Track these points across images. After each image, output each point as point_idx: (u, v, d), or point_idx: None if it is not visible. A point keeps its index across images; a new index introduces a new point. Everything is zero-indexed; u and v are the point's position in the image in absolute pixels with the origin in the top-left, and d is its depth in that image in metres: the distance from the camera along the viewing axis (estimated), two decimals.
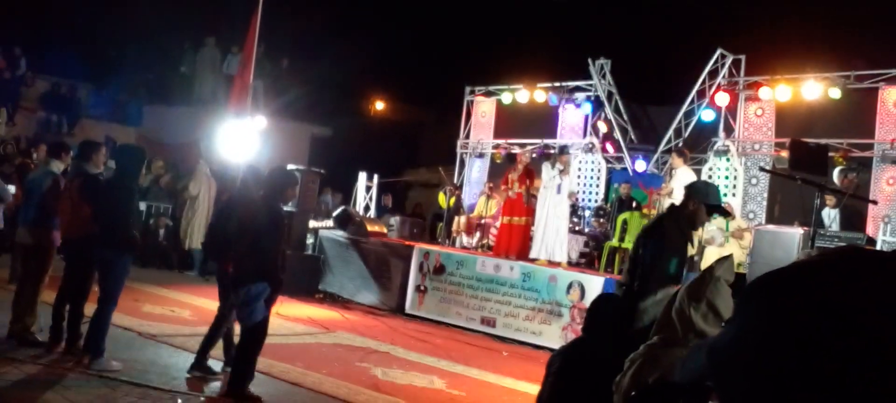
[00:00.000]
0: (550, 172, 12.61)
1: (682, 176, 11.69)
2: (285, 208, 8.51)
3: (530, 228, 13.25)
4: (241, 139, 14.67)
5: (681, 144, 14.70)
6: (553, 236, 12.49)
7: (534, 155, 15.31)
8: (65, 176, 8.28)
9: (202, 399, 6.63)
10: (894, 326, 0.60)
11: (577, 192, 15.18)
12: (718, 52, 14.56)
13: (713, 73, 14.63)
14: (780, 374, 0.62)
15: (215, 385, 7.08)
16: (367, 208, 17.58)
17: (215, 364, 7.53)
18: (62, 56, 21.02)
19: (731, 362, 0.68)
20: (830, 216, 10.99)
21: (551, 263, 12.26)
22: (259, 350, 6.74)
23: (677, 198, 11.57)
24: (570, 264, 12.85)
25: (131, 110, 22.16)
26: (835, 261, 0.67)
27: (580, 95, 16.54)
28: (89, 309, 7.60)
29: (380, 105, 28.26)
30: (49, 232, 8.06)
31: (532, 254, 12.61)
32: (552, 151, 13.96)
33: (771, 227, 11.31)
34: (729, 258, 4.22)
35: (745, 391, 0.65)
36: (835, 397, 0.59)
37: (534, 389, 8.19)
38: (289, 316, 11.29)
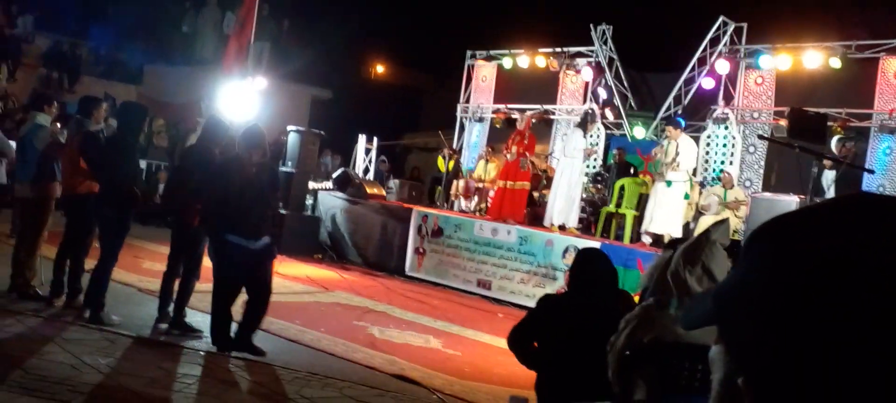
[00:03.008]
0: (581, 140, 12.63)
1: (684, 145, 11.74)
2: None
3: (526, 193, 13.30)
4: (242, 100, 14.68)
5: (680, 111, 14.71)
6: (571, 203, 12.57)
7: (534, 120, 15.27)
8: (65, 131, 8.30)
9: (202, 352, 6.71)
10: None
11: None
12: (720, 19, 14.51)
13: (714, 41, 14.59)
14: (783, 318, 0.64)
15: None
16: (366, 170, 17.61)
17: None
18: (63, 13, 20.93)
19: (736, 306, 0.70)
20: (828, 179, 11.03)
21: (563, 230, 12.31)
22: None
23: (684, 168, 11.65)
24: (562, 229, 12.91)
25: (132, 69, 22.08)
26: (841, 206, 0.69)
27: (581, 61, 16.51)
28: (90, 264, 7.67)
29: (380, 68, 28.15)
30: (46, 185, 8.08)
31: (548, 221, 12.66)
32: (588, 114, 14.00)
33: (767, 195, 11.37)
34: (725, 222, 4.26)
35: (749, 334, 0.67)
36: (839, 340, 0.61)
37: None
38: (288, 275, 11.36)
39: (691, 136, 12.75)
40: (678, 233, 11.26)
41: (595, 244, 11.29)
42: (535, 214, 13.49)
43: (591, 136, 12.53)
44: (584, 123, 13.01)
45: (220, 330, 6.79)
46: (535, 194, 14.19)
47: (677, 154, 11.57)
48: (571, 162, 12.59)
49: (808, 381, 0.62)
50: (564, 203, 12.52)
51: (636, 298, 4.57)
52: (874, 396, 0.59)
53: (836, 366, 0.60)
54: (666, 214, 11.64)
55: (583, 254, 5.22)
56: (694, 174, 12.48)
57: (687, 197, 11.89)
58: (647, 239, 11.86)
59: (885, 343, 0.60)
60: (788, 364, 0.63)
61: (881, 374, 0.59)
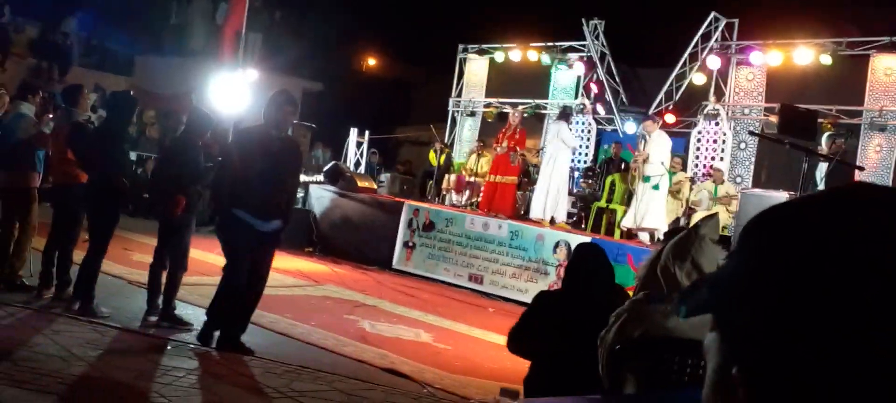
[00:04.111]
0: (569, 133, 12.71)
1: (657, 140, 11.76)
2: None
3: (516, 187, 13.32)
4: (232, 91, 14.64)
5: (671, 107, 14.73)
6: (559, 196, 12.61)
7: (524, 115, 15.27)
8: (52, 121, 8.24)
9: (191, 344, 6.69)
10: None
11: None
12: (712, 15, 14.53)
13: (706, 37, 14.61)
14: (779, 307, 0.64)
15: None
16: (357, 164, 17.58)
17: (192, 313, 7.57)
18: (50, 2, 20.81)
19: (732, 293, 0.70)
20: (819, 175, 11.07)
21: (552, 224, 12.34)
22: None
23: (654, 162, 11.68)
24: (552, 223, 12.94)
25: (123, 59, 21.98)
26: (840, 196, 0.69)
27: (573, 55, 16.51)
28: (79, 256, 7.63)
29: (372, 61, 28.12)
30: (26, 174, 8.03)
31: (536, 215, 12.69)
32: (567, 107, 14.02)
33: (757, 191, 11.39)
34: (714, 217, 4.27)
35: (746, 323, 0.67)
36: (836, 329, 0.61)
37: None
38: (278, 269, 11.29)
39: (681, 132, 12.79)
40: (662, 227, 11.30)
41: (585, 238, 11.33)
42: (520, 208, 13.54)
43: (572, 129, 12.65)
44: (567, 115, 13.09)
45: (223, 325, 6.63)
46: (519, 193, 14.16)
47: (649, 150, 11.64)
48: (560, 155, 12.63)
49: (805, 371, 0.62)
50: (555, 196, 12.56)
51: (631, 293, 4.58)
52: (872, 388, 0.59)
53: (834, 357, 0.60)
54: (646, 209, 11.67)
55: (579, 250, 5.22)
56: (670, 167, 12.46)
57: (657, 188, 11.82)
58: (644, 237, 11.89)
59: (883, 333, 0.60)
60: (785, 354, 0.63)
61: (879, 365, 0.59)
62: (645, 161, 11.65)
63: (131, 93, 9.27)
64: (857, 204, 0.66)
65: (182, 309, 7.50)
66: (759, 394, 0.65)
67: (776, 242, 0.66)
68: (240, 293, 6.60)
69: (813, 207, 0.68)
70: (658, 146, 11.71)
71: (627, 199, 12.91)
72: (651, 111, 15.23)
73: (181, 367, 6.03)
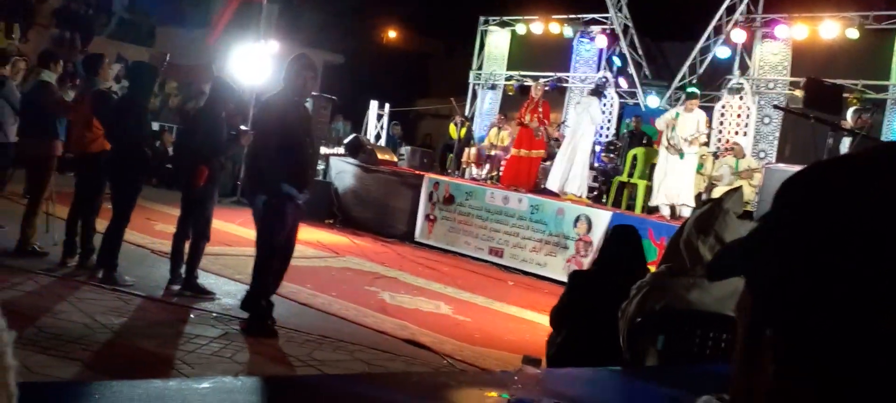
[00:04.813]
0: (599, 110, 12.67)
1: (699, 117, 11.71)
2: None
3: (539, 161, 13.28)
4: (254, 63, 14.67)
5: (695, 81, 14.59)
6: (584, 171, 12.59)
7: (547, 87, 15.19)
8: (72, 91, 8.29)
9: (214, 313, 6.74)
10: None
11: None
12: None
13: (731, 9, 14.43)
14: (816, 261, 0.63)
15: (224, 302, 7.18)
16: (377, 136, 17.59)
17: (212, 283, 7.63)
18: None
19: (767, 251, 0.69)
20: (844, 150, 10.95)
21: (563, 196, 12.32)
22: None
23: (695, 140, 11.62)
24: (577, 197, 12.91)
25: (144, 30, 22.02)
26: (877, 152, 0.68)
27: (595, 28, 16.38)
28: (101, 225, 7.70)
29: (392, 33, 28.01)
30: (49, 143, 8.09)
31: (555, 187, 12.67)
32: (603, 81, 13.94)
33: (781, 166, 11.29)
34: (738, 190, 4.24)
35: (782, 281, 0.66)
36: (866, 288, 0.60)
37: (537, 317, 8.34)
38: (300, 240, 11.32)
39: (706, 106, 12.68)
40: (691, 203, 11.23)
41: (606, 213, 11.29)
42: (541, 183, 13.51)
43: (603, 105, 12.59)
44: (600, 91, 12.98)
45: (258, 300, 6.51)
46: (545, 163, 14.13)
47: (699, 130, 11.52)
48: (587, 130, 12.57)
49: (841, 327, 0.61)
50: (578, 171, 12.51)
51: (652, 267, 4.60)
52: None
53: (870, 312, 0.59)
54: (677, 184, 11.59)
55: (614, 231, 5.33)
56: (707, 144, 12.43)
57: (700, 168, 11.84)
58: (665, 211, 11.83)
59: None
60: (821, 310, 0.62)
61: None
62: (697, 137, 11.51)
63: (167, 58, 9.24)
64: (888, 167, 0.65)
65: (204, 279, 7.57)
66: (793, 354, 0.64)
67: (813, 196, 0.65)
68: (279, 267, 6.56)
69: (850, 162, 0.67)
70: (699, 123, 11.66)
71: (650, 173, 12.84)
72: (674, 85, 15.12)
73: (204, 335, 6.08)
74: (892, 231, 0.60)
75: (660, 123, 12.15)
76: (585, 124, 12.67)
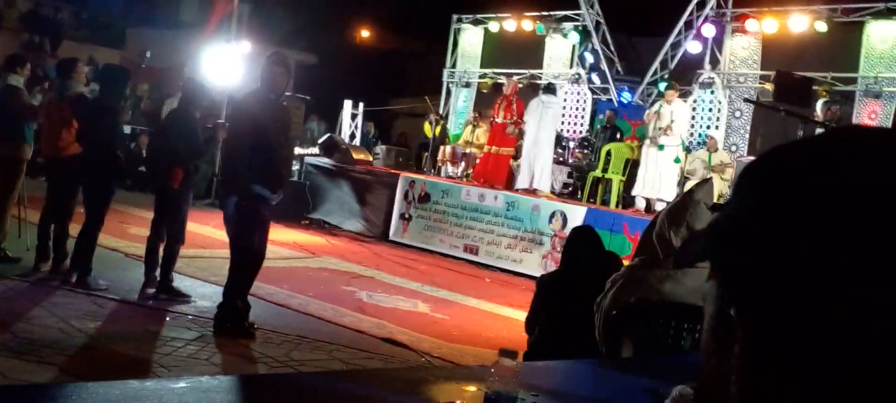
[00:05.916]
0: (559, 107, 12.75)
1: (679, 109, 11.82)
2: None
3: (509, 159, 13.33)
4: (225, 64, 14.58)
5: (667, 76, 14.70)
6: (541, 168, 12.61)
7: (519, 85, 15.22)
8: (39, 94, 8.20)
9: (190, 316, 6.71)
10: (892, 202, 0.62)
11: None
12: None
13: (701, 5, 14.55)
14: (777, 241, 0.64)
15: (200, 305, 7.14)
16: (352, 136, 17.54)
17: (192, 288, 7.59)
18: None
19: (730, 233, 0.71)
20: None
21: (537, 193, 12.37)
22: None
23: (677, 132, 11.74)
24: (554, 194, 12.97)
25: (115, 32, 21.84)
26: (838, 133, 0.70)
27: (567, 25, 16.44)
28: (74, 229, 7.63)
29: (366, 33, 27.93)
30: (18, 146, 8.01)
31: (521, 185, 12.71)
32: (540, 83, 13.97)
33: (752, 158, 11.40)
34: (708, 182, 4.30)
35: (744, 261, 0.68)
36: (832, 270, 0.61)
37: (514, 313, 8.37)
38: (275, 241, 11.30)
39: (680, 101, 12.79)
40: (671, 198, 11.34)
41: (581, 208, 11.36)
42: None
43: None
44: (553, 88, 13.15)
45: (237, 308, 6.38)
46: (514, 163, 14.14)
47: (672, 119, 11.63)
48: (548, 127, 12.66)
49: (802, 305, 0.62)
50: (545, 168, 12.60)
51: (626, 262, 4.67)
52: (868, 318, 0.60)
53: (830, 289, 0.61)
54: (658, 178, 11.70)
55: (574, 233, 5.54)
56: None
57: (678, 160, 11.95)
58: (641, 204, 11.92)
59: (880, 262, 0.60)
60: (782, 288, 0.64)
61: (874, 295, 0.60)
62: (668, 128, 11.63)
63: (148, 55, 9.13)
64: (854, 139, 0.67)
65: (179, 282, 7.51)
66: (757, 332, 0.66)
67: (775, 178, 0.67)
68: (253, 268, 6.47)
69: (807, 146, 0.69)
70: (681, 117, 11.78)
71: (624, 168, 12.92)
72: (646, 80, 15.23)
73: (180, 337, 6.05)
74: (842, 215, 0.61)
75: (646, 118, 12.32)
76: (546, 121, 12.70)
